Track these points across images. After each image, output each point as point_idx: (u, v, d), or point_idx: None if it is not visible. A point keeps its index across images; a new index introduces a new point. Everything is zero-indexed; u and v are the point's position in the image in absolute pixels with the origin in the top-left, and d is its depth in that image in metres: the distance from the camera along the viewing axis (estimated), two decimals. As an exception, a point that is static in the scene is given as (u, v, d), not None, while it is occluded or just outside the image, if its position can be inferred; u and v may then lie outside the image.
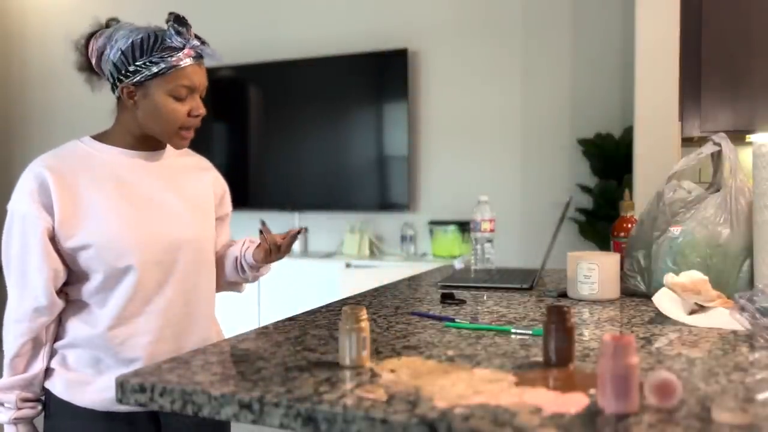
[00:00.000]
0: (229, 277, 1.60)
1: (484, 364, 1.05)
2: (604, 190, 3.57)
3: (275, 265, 1.62)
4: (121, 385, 0.99)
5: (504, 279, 1.89)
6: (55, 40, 5.03)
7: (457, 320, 1.37)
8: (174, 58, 1.34)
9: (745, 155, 1.89)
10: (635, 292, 1.68)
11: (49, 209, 1.31)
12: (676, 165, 1.73)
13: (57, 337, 1.39)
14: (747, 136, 2.20)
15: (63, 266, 1.34)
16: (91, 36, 1.41)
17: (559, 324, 1.03)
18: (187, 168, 1.51)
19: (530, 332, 1.26)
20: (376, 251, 4.23)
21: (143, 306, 1.37)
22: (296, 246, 4.22)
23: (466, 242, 3.91)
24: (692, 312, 1.38)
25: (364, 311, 1.04)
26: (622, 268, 1.72)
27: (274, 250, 1.49)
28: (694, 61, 2.16)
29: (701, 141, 2.04)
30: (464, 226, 3.89)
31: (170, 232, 1.39)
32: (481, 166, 4.04)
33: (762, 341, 1.18)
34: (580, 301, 1.62)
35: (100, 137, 1.43)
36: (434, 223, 4.02)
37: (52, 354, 1.39)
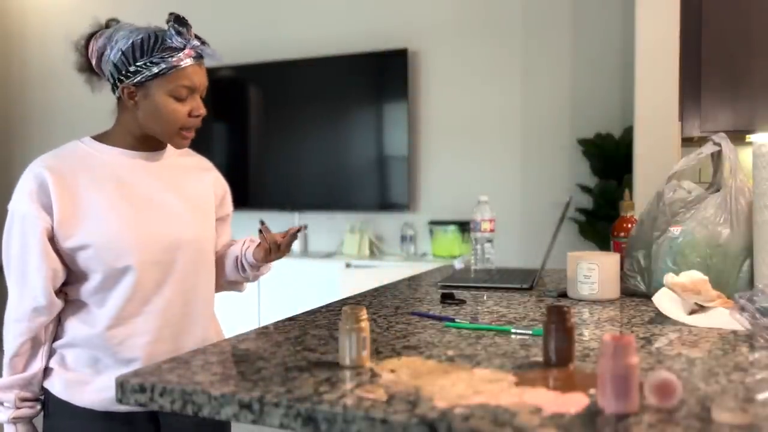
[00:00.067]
0: (230, 276, 1.60)
1: (484, 364, 1.05)
2: (604, 190, 3.57)
3: (275, 265, 1.62)
4: (121, 385, 0.99)
5: (504, 279, 1.89)
6: (55, 40, 5.03)
7: (457, 320, 1.37)
8: (174, 59, 1.34)
9: (745, 155, 1.89)
10: (635, 292, 1.68)
11: (49, 209, 1.31)
12: (676, 165, 1.73)
13: (56, 336, 1.39)
14: (747, 136, 2.20)
15: (62, 266, 1.34)
16: (91, 36, 1.41)
17: (559, 324, 1.03)
18: (188, 168, 1.51)
19: (530, 332, 1.26)
20: (376, 251, 4.23)
21: (142, 306, 1.37)
22: (296, 246, 4.22)
23: (466, 242, 3.91)
24: (692, 312, 1.38)
25: (364, 311, 1.04)
26: (622, 268, 1.72)
27: (274, 249, 1.49)
28: (694, 61, 2.16)
29: (701, 141, 2.04)
30: (464, 226, 3.88)
31: (170, 233, 1.40)
32: (481, 166, 4.04)
33: (762, 341, 1.18)
34: (580, 301, 1.62)
35: (101, 138, 1.43)
36: (434, 223, 4.02)
37: (51, 353, 1.39)
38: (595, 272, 1.60)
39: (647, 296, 1.60)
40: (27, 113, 5.24)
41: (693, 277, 1.43)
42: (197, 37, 1.38)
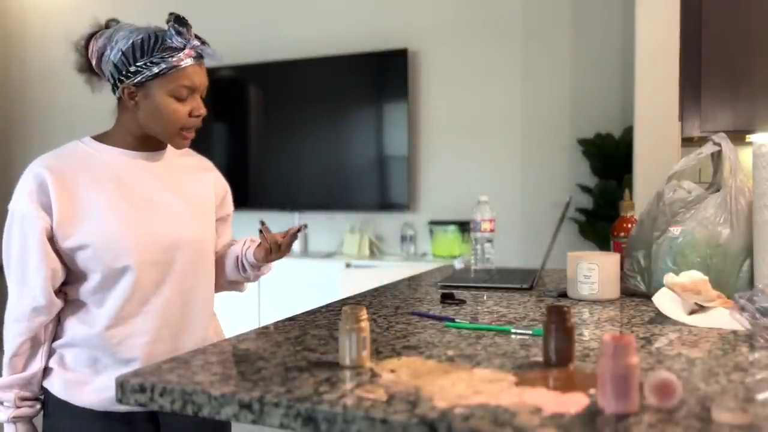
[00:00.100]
0: (231, 276, 1.60)
1: (484, 364, 1.05)
2: (604, 190, 3.57)
3: (275, 265, 1.62)
4: (121, 385, 0.99)
5: (504, 279, 1.89)
6: (55, 40, 5.03)
7: (457, 320, 1.37)
8: (174, 59, 1.34)
9: (745, 155, 1.89)
10: (635, 292, 1.68)
11: (48, 209, 1.31)
12: (676, 165, 1.73)
13: (55, 336, 1.40)
14: (747, 136, 2.20)
15: (61, 266, 1.34)
16: (91, 37, 1.41)
17: (559, 324, 1.04)
18: (188, 168, 1.51)
19: (530, 332, 1.26)
20: (376, 251, 4.23)
21: (140, 306, 1.37)
22: (296, 246, 4.22)
23: (466, 242, 3.91)
24: (692, 312, 1.38)
25: (364, 311, 1.04)
26: (622, 268, 1.72)
27: (274, 248, 1.49)
28: (694, 61, 2.16)
29: (701, 141, 2.04)
30: (464, 226, 3.88)
31: (169, 233, 1.40)
32: (481, 166, 4.04)
33: (762, 341, 1.18)
34: (580, 301, 1.62)
35: (101, 138, 1.43)
36: (434, 223, 4.02)
37: (51, 353, 1.39)
38: (595, 272, 1.60)
39: (647, 296, 1.60)
40: (27, 113, 5.24)
41: (693, 277, 1.43)
42: (197, 37, 1.38)
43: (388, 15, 4.22)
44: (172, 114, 1.36)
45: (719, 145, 1.65)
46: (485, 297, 1.69)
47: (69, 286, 1.38)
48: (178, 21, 1.35)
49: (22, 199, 1.32)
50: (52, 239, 1.32)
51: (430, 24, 4.12)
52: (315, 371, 1.01)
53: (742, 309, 1.23)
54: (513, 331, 1.28)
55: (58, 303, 1.36)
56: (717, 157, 1.69)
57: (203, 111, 1.41)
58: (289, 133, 4.35)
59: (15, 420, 1.35)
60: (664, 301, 1.40)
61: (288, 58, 4.38)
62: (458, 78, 4.07)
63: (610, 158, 3.61)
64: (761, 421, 0.79)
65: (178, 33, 1.34)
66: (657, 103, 2.71)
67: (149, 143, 1.44)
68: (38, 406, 1.39)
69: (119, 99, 1.41)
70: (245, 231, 1.72)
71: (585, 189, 3.71)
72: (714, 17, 2.13)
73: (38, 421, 1.40)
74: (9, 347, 1.35)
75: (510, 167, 3.97)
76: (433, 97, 4.14)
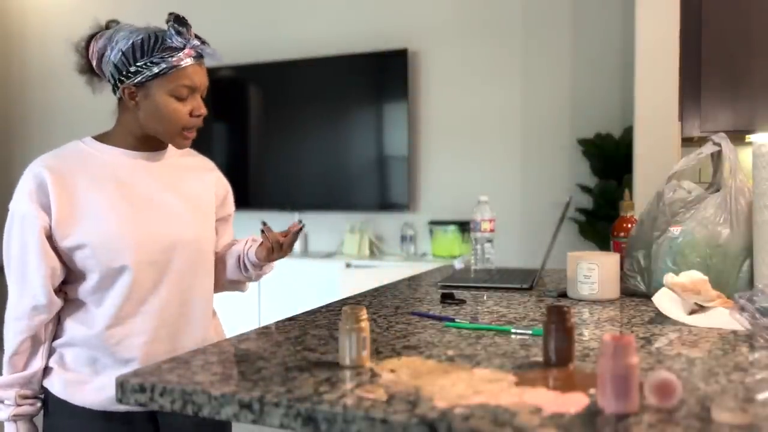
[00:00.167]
0: (232, 276, 1.59)
1: (484, 364, 1.05)
2: (604, 190, 3.57)
3: (276, 265, 1.62)
4: (121, 385, 0.99)
5: (504, 279, 1.89)
6: (55, 40, 5.03)
7: (457, 320, 1.37)
8: (174, 58, 1.34)
9: (745, 155, 1.89)
10: (635, 292, 1.68)
11: (47, 209, 1.32)
12: (676, 165, 1.73)
13: (55, 335, 1.40)
14: (747, 136, 2.20)
15: (60, 265, 1.34)
16: (91, 38, 1.41)
17: (559, 324, 1.04)
18: (189, 168, 1.51)
19: (530, 332, 1.26)
20: (376, 251, 4.23)
21: (138, 306, 1.37)
22: (296, 246, 4.21)
23: (466, 242, 3.91)
24: (692, 312, 1.38)
25: (364, 311, 1.04)
26: (622, 268, 1.72)
27: (276, 248, 1.48)
28: (694, 61, 2.16)
29: (701, 141, 2.04)
30: (464, 226, 3.88)
31: (169, 233, 1.40)
32: (481, 166, 4.04)
33: (762, 341, 1.18)
34: (580, 301, 1.62)
35: (102, 138, 1.43)
36: (434, 223, 4.02)
37: (51, 353, 1.40)
38: (595, 272, 1.60)
39: (647, 296, 1.61)
40: (27, 113, 5.24)
41: (693, 277, 1.43)
42: (197, 37, 1.38)
43: (388, 15, 4.22)
44: (172, 114, 1.36)
45: (719, 145, 1.65)
46: (485, 297, 1.69)
47: (68, 285, 1.38)
48: (178, 21, 1.35)
49: (21, 199, 1.33)
50: (51, 238, 1.33)
51: (430, 24, 4.12)
52: (315, 371, 1.01)
53: (742, 309, 1.23)
54: (513, 331, 1.28)
55: (58, 302, 1.36)
56: (717, 157, 1.69)
57: (204, 111, 1.41)
58: (289, 133, 4.35)
59: (16, 418, 1.35)
60: (664, 301, 1.40)
61: (288, 58, 4.38)
62: (458, 78, 4.07)
63: (610, 158, 3.61)
64: (761, 421, 0.79)
65: (178, 33, 1.35)
66: (657, 103, 2.72)
67: (150, 143, 1.44)
68: (39, 405, 1.39)
69: (120, 99, 1.41)
70: (245, 231, 1.72)
71: (585, 189, 3.71)
72: (714, 17, 2.13)
73: (38, 421, 1.40)
74: (9, 346, 1.35)
75: (510, 167, 3.97)
76: (433, 97, 4.14)
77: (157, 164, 1.45)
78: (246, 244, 1.56)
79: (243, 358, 1.11)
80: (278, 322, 1.39)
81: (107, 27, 1.42)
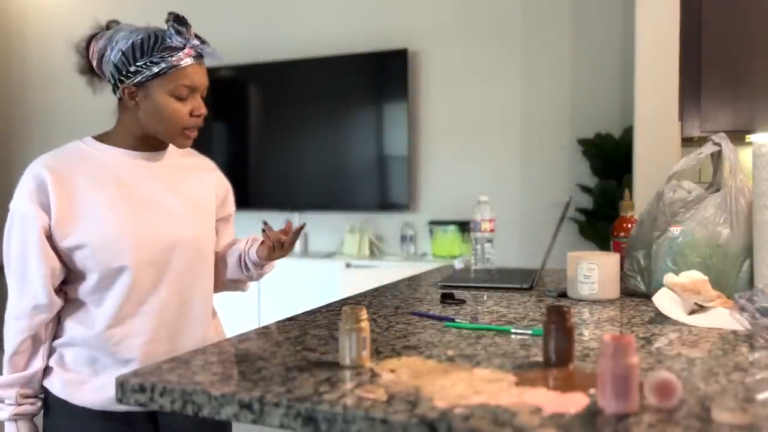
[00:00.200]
0: (234, 275, 1.59)
1: (484, 364, 1.05)
2: (604, 190, 3.57)
3: (276, 265, 1.62)
4: (121, 384, 0.99)
5: (504, 279, 1.89)
6: (55, 40, 5.03)
7: (457, 320, 1.37)
8: (174, 58, 1.34)
9: (745, 155, 1.89)
10: (635, 292, 1.68)
11: (47, 208, 1.32)
12: (676, 165, 1.73)
13: (55, 335, 1.40)
14: (747, 136, 2.20)
15: (60, 265, 1.34)
16: (91, 38, 1.41)
17: (559, 324, 1.03)
18: (189, 168, 1.51)
19: (530, 332, 1.26)
20: (376, 251, 4.23)
21: (138, 306, 1.37)
22: (296, 246, 4.21)
23: (466, 242, 3.91)
24: (692, 312, 1.38)
25: (364, 311, 1.04)
26: (622, 268, 1.72)
27: (277, 246, 1.48)
28: (694, 61, 2.16)
29: (701, 141, 2.04)
30: (464, 226, 3.88)
31: (169, 233, 1.40)
32: (481, 166, 4.04)
33: (762, 341, 1.18)
34: (580, 301, 1.62)
35: (102, 138, 1.43)
36: (434, 223, 4.02)
37: (51, 352, 1.39)
38: (595, 272, 1.60)
39: (647, 296, 1.61)
40: (27, 113, 5.24)
41: (693, 277, 1.43)
42: (197, 37, 1.38)
43: (388, 15, 4.22)
44: (172, 113, 1.36)
45: (719, 145, 1.65)
46: (485, 297, 1.69)
47: (68, 285, 1.38)
48: (178, 20, 1.35)
49: (21, 199, 1.33)
50: (50, 238, 1.33)
51: (430, 24, 4.12)
52: (315, 371, 1.01)
53: (742, 309, 1.23)
54: (513, 331, 1.28)
55: (58, 302, 1.36)
56: (717, 157, 1.69)
57: (204, 110, 1.41)
58: (289, 133, 4.35)
59: (16, 417, 1.35)
60: (664, 301, 1.40)
61: (288, 58, 4.38)
62: (458, 78, 4.07)
63: (610, 158, 3.61)
64: (761, 421, 0.79)
65: (178, 32, 1.35)
66: (657, 103, 2.72)
67: (150, 143, 1.44)
68: (39, 404, 1.39)
69: (120, 99, 1.41)
70: (245, 231, 1.72)
71: (585, 189, 3.71)
72: (714, 17, 2.13)
73: (38, 421, 1.40)
74: (9, 345, 1.35)
75: (510, 167, 3.97)
76: (433, 97, 4.14)
77: (158, 164, 1.45)
78: (247, 243, 1.56)
79: (243, 358, 1.11)
80: (278, 322, 1.39)
81: (108, 27, 1.42)
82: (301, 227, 1.48)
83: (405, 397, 0.88)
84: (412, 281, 1.99)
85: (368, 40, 4.23)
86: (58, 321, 1.40)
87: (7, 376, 1.35)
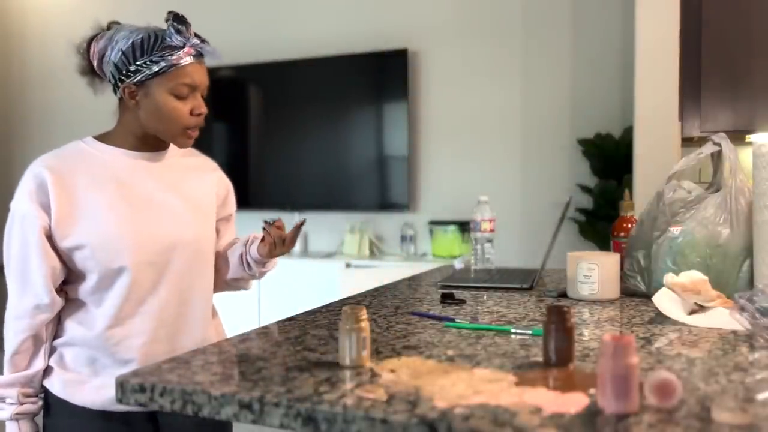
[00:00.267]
0: (236, 274, 1.58)
1: (484, 364, 1.05)
2: (604, 190, 3.57)
3: (278, 262, 1.62)
4: (121, 385, 0.99)
5: (504, 279, 1.89)
6: (55, 40, 5.03)
7: (457, 320, 1.37)
8: (174, 57, 1.34)
9: (745, 155, 1.89)
10: (635, 292, 1.68)
11: (47, 209, 1.32)
12: (676, 165, 1.73)
13: (55, 335, 1.40)
14: (747, 136, 2.20)
15: (61, 264, 1.34)
16: (92, 39, 1.41)
17: (559, 324, 1.03)
18: (190, 168, 1.51)
19: (530, 332, 1.26)
20: (376, 251, 4.23)
21: (137, 307, 1.37)
22: (296, 246, 4.21)
23: (466, 242, 3.91)
24: (692, 312, 1.38)
25: (364, 311, 1.04)
26: (622, 268, 1.72)
27: (278, 243, 1.48)
28: (694, 61, 2.16)
29: (701, 141, 2.04)
30: (464, 226, 3.88)
31: (169, 233, 1.40)
32: (481, 166, 4.04)
33: (762, 341, 1.18)
34: (580, 301, 1.62)
35: (103, 138, 1.43)
36: (434, 223, 4.02)
37: (51, 352, 1.39)
38: (595, 272, 1.60)
39: (647, 296, 1.60)
40: (27, 113, 5.24)
41: (693, 277, 1.43)
42: (197, 36, 1.38)
43: (388, 15, 4.22)
44: (172, 112, 1.36)
45: (719, 145, 1.65)
46: (485, 297, 1.69)
47: (69, 285, 1.38)
48: (177, 19, 1.35)
49: (22, 199, 1.33)
50: (50, 238, 1.33)
51: (430, 24, 4.12)
52: (315, 371, 1.01)
53: (742, 309, 1.23)
54: (513, 331, 1.28)
55: (60, 301, 1.36)
56: (717, 157, 1.69)
57: (204, 109, 1.40)
58: (289, 133, 4.35)
59: (18, 417, 1.35)
60: (664, 301, 1.40)
61: (288, 58, 4.38)
62: (458, 78, 4.07)
63: (610, 158, 3.61)
64: (761, 421, 0.79)
65: (178, 31, 1.35)
66: (657, 103, 2.72)
67: (150, 143, 1.44)
68: (41, 403, 1.39)
69: (120, 99, 1.41)
70: (245, 231, 1.72)
71: (585, 189, 3.71)
72: (714, 17, 2.13)
73: (38, 420, 1.40)
74: (10, 345, 1.35)
75: (510, 167, 3.97)
76: (433, 97, 4.14)
77: (158, 164, 1.45)
78: (248, 241, 1.56)
79: (243, 358, 1.11)
80: (278, 322, 1.39)
81: (108, 28, 1.42)
82: (302, 223, 1.48)
83: (405, 397, 0.88)
84: (412, 281, 1.99)
85: (368, 40, 4.23)
86: (58, 321, 1.40)
87: (8, 375, 1.35)
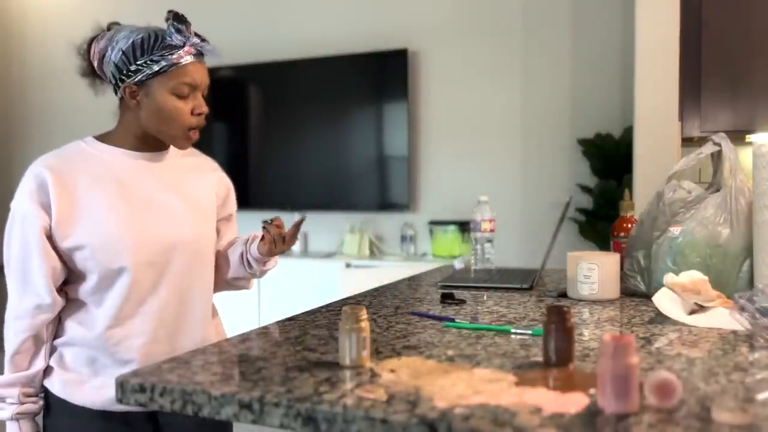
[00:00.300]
0: (237, 273, 1.58)
1: (484, 364, 1.05)
2: (604, 190, 3.57)
3: (278, 261, 1.62)
4: (121, 385, 0.99)
5: (504, 279, 1.89)
6: (55, 40, 5.03)
7: (457, 320, 1.37)
8: (175, 56, 1.34)
9: (745, 155, 1.89)
10: (635, 292, 1.68)
11: (47, 209, 1.32)
12: (676, 165, 1.73)
13: (56, 335, 1.40)
14: (747, 136, 2.20)
15: (61, 264, 1.34)
16: (92, 40, 1.41)
17: (559, 324, 1.03)
18: (191, 168, 1.51)
19: (530, 332, 1.26)
20: (376, 251, 4.23)
21: (137, 307, 1.37)
22: (296, 246, 4.22)
23: (466, 242, 3.91)
24: (692, 312, 1.38)
25: (364, 311, 1.04)
26: (622, 268, 1.72)
27: (278, 241, 1.48)
28: (694, 61, 2.16)
29: (701, 141, 2.04)
30: (464, 226, 3.89)
31: (169, 234, 1.39)
32: (481, 166, 4.04)
33: (762, 341, 1.18)
34: (580, 301, 1.62)
35: (103, 138, 1.43)
36: (434, 223, 4.02)
37: (51, 351, 1.39)
38: (595, 272, 1.60)
39: (647, 296, 1.60)
40: (27, 113, 5.24)
41: (693, 277, 1.43)
42: (197, 35, 1.38)
43: (388, 15, 4.22)
44: (173, 111, 1.36)
45: (719, 145, 1.65)
46: (485, 297, 1.69)
47: (69, 285, 1.38)
48: (177, 18, 1.36)
49: (22, 199, 1.33)
50: (51, 239, 1.33)
51: (430, 24, 4.12)
52: (315, 371, 1.01)
53: (742, 309, 1.23)
54: (513, 331, 1.28)
55: (60, 301, 1.36)
56: (717, 157, 1.69)
57: (205, 109, 1.40)
58: (289, 133, 4.35)
59: (19, 417, 1.35)
60: (664, 301, 1.40)
61: (288, 58, 4.38)
62: (458, 78, 4.07)
63: (610, 158, 3.61)
64: (761, 421, 0.79)
65: (178, 30, 1.35)
66: (657, 103, 2.72)
67: (151, 143, 1.44)
68: (41, 403, 1.39)
69: (121, 99, 1.41)
70: (245, 231, 1.72)
71: (585, 189, 3.71)
72: (714, 17, 2.13)
73: (39, 421, 1.40)
74: (10, 345, 1.35)
75: (510, 167, 3.97)
76: (433, 97, 4.14)
77: (159, 164, 1.45)
78: (248, 240, 1.56)
79: (243, 358, 1.11)
80: (278, 322, 1.39)
81: (108, 29, 1.42)
82: (302, 220, 1.48)
83: (405, 397, 0.88)
84: (412, 281, 1.99)
85: (368, 40, 4.23)
86: (58, 321, 1.40)
87: (8, 375, 1.35)
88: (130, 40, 1.35)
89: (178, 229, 1.41)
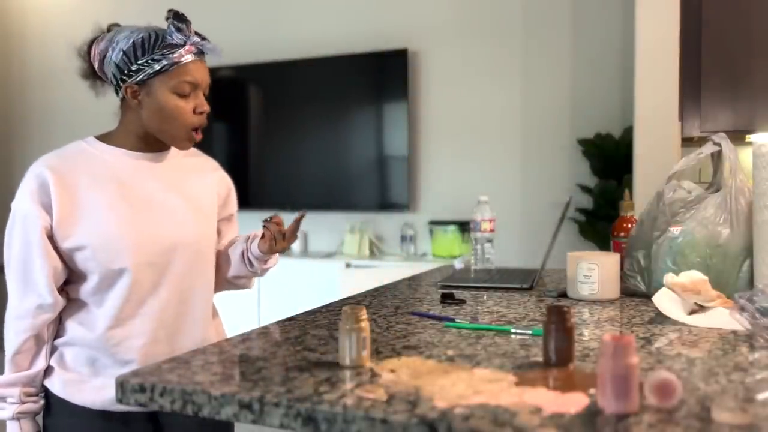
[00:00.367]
0: (237, 272, 1.58)
1: (484, 364, 1.05)
2: (604, 190, 3.57)
3: (279, 260, 1.62)
4: (121, 385, 0.99)
5: (504, 279, 1.89)
6: (55, 40, 5.03)
7: (457, 320, 1.37)
8: (175, 55, 1.34)
9: (745, 155, 1.89)
10: (635, 292, 1.68)
11: (48, 209, 1.32)
12: (676, 165, 1.73)
13: (56, 335, 1.40)
14: (747, 136, 2.20)
15: (62, 264, 1.34)
16: (92, 41, 1.41)
17: (559, 324, 1.03)
18: (192, 168, 1.51)
19: (530, 332, 1.26)
20: (376, 251, 4.23)
21: (138, 307, 1.37)
22: (296, 246, 4.22)
23: (466, 242, 3.91)
24: (692, 312, 1.38)
25: (364, 311, 1.04)
26: (622, 268, 1.72)
27: (279, 238, 1.48)
28: (694, 61, 2.16)
29: (701, 141, 2.04)
30: (464, 226, 3.89)
31: (169, 234, 1.39)
32: (481, 166, 4.04)
33: (762, 341, 1.18)
34: (580, 301, 1.62)
35: (104, 138, 1.43)
36: (434, 223, 4.02)
37: (52, 351, 1.40)
38: (595, 272, 1.60)
39: (647, 296, 1.61)
40: (27, 113, 5.24)
41: (693, 277, 1.43)
42: (197, 33, 1.39)
43: (388, 15, 4.22)
44: (175, 110, 1.36)
45: (719, 145, 1.65)
46: (485, 297, 1.69)
47: (70, 285, 1.38)
48: (177, 17, 1.36)
49: (23, 199, 1.33)
50: (51, 239, 1.33)
51: (430, 24, 4.12)
52: (315, 371, 1.01)
53: (742, 309, 1.23)
54: (513, 331, 1.28)
55: (62, 301, 1.36)
56: (717, 157, 1.69)
57: (206, 107, 1.40)
58: (289, 133, 4.35)
59: (19, 416, 1.35)
60: (664, 301, 1.40)
61: (288, 58, 4.38)
62: (458, 78, 4.07)
63: (610, 158, 3.62)
64: (761, 421, 0.79)
65: (178, 29, 1.35)
66: (657, 103, 2.72)
67: (152, 144, 1.44)
68: (42, 402, 1.39)
69: (122, 100, 1.41)
70: (245, 231, 1.72)
71: (585, 189, 3.71)
72: (714, 17, 2.13)
73: (39, 421, 1.40)
74: (11, 345, 1.35)
75: (510, 167, 3.97)
76: (433, 97, 4.14)
77: (160, 165, 1.45)
78: (248, 239, 1.56)
79: (243, 358, 1.11)
80: (278, 322, 1.39)
81: (109, 30, 1.42)
82: (302, 216, 1.48)
83: (405, 397, 0.88)
84: (412, 281, 1.99)
85: (368, 40, 4.23)
86: (59, 321, 1.40)
87: (9, 375, 1.35)
88: (131, 40, 1.35)
89: (179, 230, 1.41)
